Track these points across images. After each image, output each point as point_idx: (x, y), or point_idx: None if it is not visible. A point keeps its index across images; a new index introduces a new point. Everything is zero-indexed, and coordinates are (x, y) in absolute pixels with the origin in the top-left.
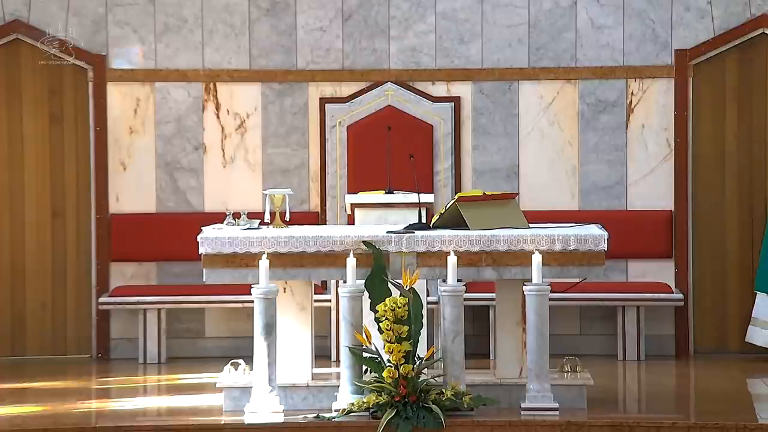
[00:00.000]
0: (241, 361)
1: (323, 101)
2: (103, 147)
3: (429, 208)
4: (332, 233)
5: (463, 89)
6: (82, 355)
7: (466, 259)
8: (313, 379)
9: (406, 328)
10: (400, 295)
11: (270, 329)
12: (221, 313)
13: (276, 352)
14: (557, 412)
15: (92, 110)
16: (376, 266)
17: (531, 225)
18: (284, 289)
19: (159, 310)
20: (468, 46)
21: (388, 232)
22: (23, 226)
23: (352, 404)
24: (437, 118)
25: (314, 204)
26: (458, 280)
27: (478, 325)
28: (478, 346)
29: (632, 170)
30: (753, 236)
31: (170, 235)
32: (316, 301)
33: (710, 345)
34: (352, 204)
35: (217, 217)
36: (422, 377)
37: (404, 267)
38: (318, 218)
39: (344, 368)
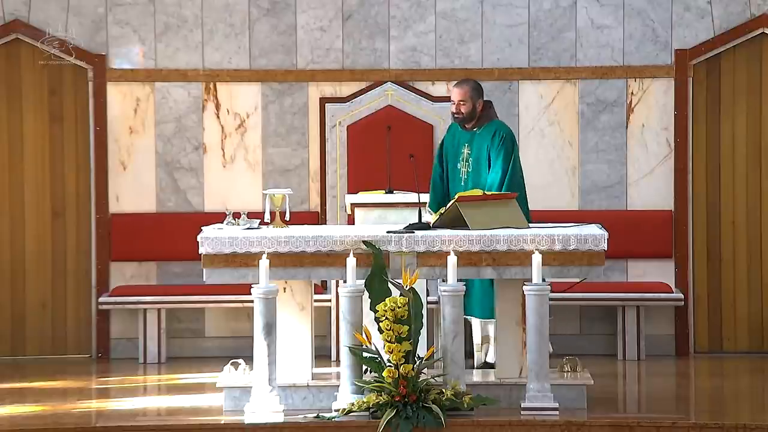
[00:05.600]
0: (241, 361)
1: (323, 101)
2: (103, 147)
3: None
4: (332, 233)
5: None
6: (82, 355)
7: (466, 259)
8: (313, 379)
9: (406, 328)
10: (400, 295)
11: (270, 329)
12: (221, 313)
13: (276, 352)
14: (557, 412)
15: (92, 110)
16: (376, 266)
17: (531, 225)
18: (284, 289)
19: (159, 309)
20: (468, 46)
21: (388, 232)
22: (23, 226)
23: (352, 404)
24: (437, 118)
25: (314, 204)
26: (458, 280)
27: None
28: None
29: (632, 170)
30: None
31: (170, 235)
32: (316, 301)
33: (710, 345)
34: (352, 204)
35: (217, 217)
36: (422, 377)
37: (404, 267)
38: (318, 218)
39: (344, 368)
